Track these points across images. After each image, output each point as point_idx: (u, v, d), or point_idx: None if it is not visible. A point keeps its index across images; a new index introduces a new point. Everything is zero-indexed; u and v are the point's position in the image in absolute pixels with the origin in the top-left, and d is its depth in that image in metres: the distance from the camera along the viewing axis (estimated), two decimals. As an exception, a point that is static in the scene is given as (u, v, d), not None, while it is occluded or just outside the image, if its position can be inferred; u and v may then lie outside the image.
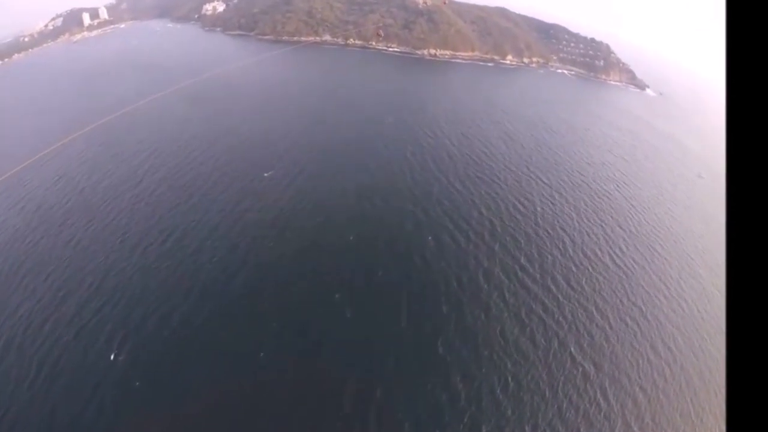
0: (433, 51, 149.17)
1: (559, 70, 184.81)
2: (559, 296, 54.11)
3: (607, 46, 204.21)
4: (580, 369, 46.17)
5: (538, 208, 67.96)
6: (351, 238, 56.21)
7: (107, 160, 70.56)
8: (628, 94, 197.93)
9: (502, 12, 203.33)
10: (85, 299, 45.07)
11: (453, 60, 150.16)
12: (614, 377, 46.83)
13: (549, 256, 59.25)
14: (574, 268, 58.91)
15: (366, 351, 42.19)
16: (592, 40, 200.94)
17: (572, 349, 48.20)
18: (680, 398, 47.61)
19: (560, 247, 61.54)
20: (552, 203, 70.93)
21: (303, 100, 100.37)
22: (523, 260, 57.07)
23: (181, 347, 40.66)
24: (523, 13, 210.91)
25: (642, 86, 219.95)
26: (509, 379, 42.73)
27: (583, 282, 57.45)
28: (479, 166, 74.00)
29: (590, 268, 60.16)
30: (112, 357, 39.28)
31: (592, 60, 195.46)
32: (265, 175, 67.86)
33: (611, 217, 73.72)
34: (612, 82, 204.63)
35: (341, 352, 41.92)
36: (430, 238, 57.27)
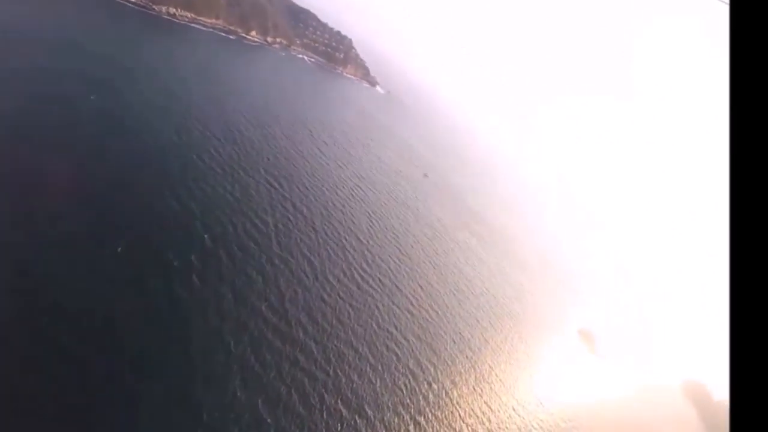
0: (173, 10, 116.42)
1: (300, 55, 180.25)
2: (312, 343, 43.94)
3: (350, 41, 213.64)
4: (353, 424, 38.98)
5: (273, 227, 55.09)
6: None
7: None
8: (360, 89, 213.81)
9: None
10: None
11: (192, 24, 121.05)
12: (384, 419, 41.95)
13: (292, 292, 48.18)
14: (321, 302, 50.33)
15: None
16: (338, 33, 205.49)
17: (340, 404, 39.74)
18: (446, 413, 48.55)
19: (304, 277, 51.57)
20: (289, 218, 59.63)
21: None
22: (264, 307, 43.51)
23: None
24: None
25: (373, 83, 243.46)
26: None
27: (332, 317, 49.67)
28: (200, 172, 54.43)
29: (338, 297, 53.18)
30: None
31: (334, 51, 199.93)
32: None
33: (350, 228, 69.76)
34: (347, 75, 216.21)
35: None
36: (132, 289, 35.08)
